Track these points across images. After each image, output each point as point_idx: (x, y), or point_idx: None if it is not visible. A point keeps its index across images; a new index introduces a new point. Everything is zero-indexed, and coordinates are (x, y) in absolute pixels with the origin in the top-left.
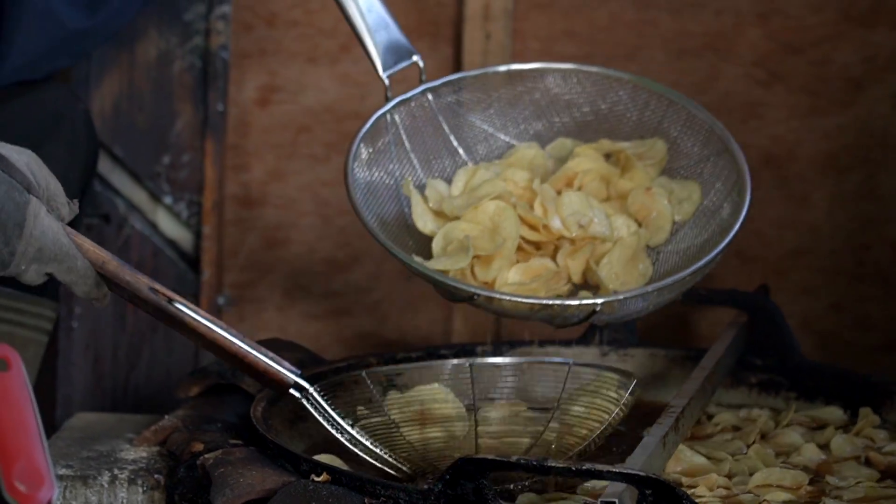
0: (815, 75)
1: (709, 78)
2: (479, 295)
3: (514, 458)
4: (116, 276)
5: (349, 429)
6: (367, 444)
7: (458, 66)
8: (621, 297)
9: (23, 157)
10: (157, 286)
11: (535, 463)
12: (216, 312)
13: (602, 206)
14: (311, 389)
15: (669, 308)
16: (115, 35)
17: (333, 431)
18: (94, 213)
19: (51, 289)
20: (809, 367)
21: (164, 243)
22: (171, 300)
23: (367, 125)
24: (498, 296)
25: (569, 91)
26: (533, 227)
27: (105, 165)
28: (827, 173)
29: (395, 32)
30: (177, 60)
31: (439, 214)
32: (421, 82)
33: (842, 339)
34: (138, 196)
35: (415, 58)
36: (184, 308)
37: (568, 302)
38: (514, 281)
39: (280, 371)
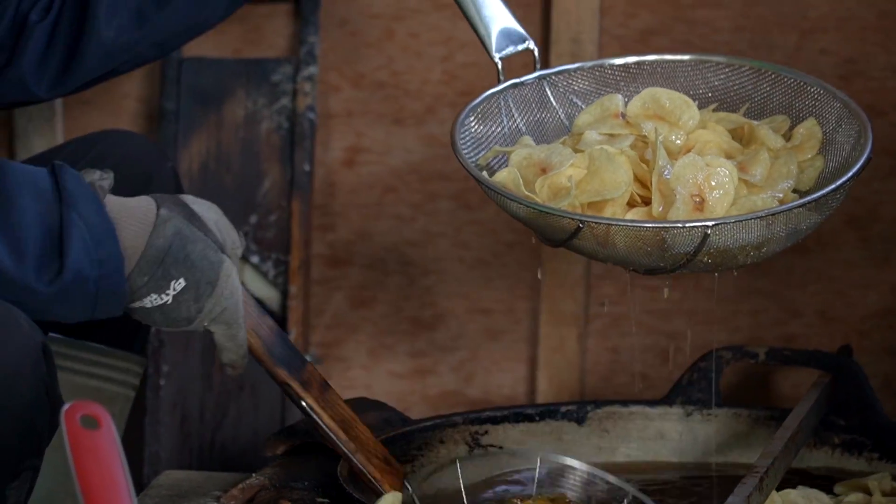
0: None
1: None
2: (585, 223)
3: None
4: (260, 361)
5: None
6: None
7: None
8: (733, 220)
9: (211, 214)
10: (293, 385)
11: None
12: None
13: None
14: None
15: (752, 368)
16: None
17: None
18: None
19: (138, 343)
20: (892, 427)
21: None
22: (300, 398)
23: (478, 100)
24: (611, 223)
25: (688, 79)
26: (642, 182)
27: None
28: None
29: (509, 19)
30: (264, 121)
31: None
32: (535, 69)
33: None
34: None
35: (529, 44)
36: (310, 410)
37: (686, 224)
38: None
39: (376, 486)
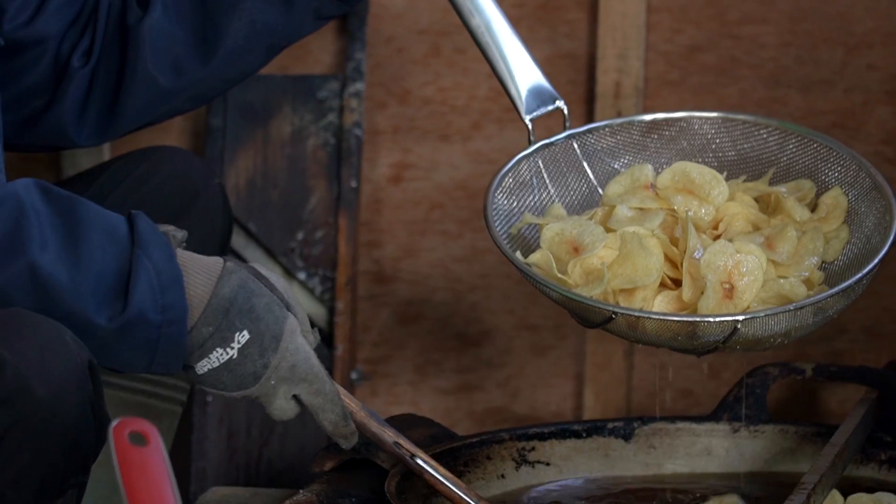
0: None
1: None
2: (617, 314)
3: None
4: (363, 427)
5: None
6: None
7: None
8: (762, 313)
9: (280, 282)
10: (402, 441)
11: None
12: (349, 387)
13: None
14: None
15: (799, 384)
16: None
17: None
18: None
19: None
20: None
21: None
22: (413, 455)
23: (509, 165)
24: (642, 315)
25: (715, 136)
26: (672, 263)
27: (239, 241)
28: None
29: (538, 77)
30: (311, 137)
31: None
32: (565, 128)
33: None
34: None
35: (559, 103)
36: (424, 464)
37: (715, 318)
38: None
39: None
